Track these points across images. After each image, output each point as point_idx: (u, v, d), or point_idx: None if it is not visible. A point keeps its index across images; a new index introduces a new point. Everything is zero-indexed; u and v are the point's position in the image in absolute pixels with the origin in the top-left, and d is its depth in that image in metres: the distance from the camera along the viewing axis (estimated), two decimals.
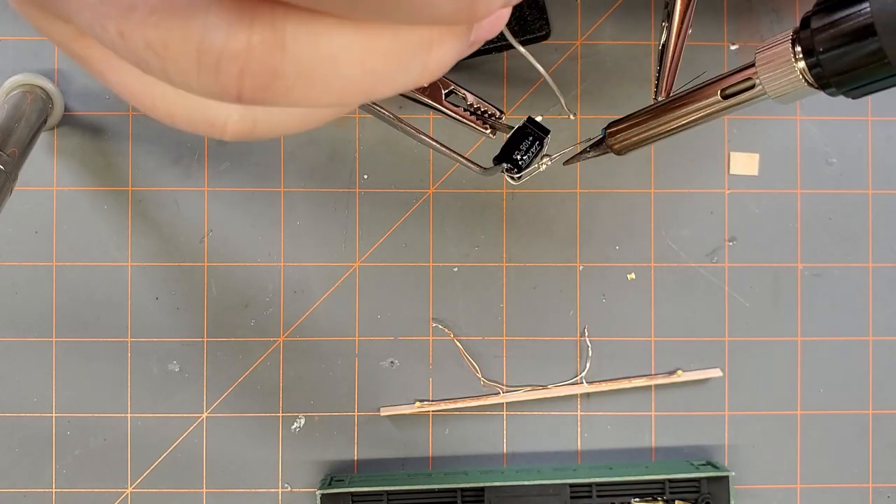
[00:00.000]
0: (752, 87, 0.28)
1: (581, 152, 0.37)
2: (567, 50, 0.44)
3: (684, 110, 0.31)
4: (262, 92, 0.12)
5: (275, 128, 0.14)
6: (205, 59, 0.11)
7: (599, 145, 0.35)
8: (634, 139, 0.34)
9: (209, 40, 0.11)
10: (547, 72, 0.32)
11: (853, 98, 0.25)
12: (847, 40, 0.24)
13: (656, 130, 0.33)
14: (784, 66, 0.26)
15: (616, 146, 0.35)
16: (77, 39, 0.14)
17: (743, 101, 0.29)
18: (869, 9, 0.22)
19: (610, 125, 0.35)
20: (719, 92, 0.29)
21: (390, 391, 0.44)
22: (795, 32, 0.26)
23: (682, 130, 0.32)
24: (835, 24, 0.24)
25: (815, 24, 0.24)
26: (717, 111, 0.30)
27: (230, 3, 0.11)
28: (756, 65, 0.27)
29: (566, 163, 0.38)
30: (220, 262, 0.44)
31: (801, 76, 0.25)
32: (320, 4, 0.11)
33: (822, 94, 0.26)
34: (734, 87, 0.29)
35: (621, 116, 0.34)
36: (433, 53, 0.13)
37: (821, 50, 0.24)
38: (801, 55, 0.25)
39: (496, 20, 0.15)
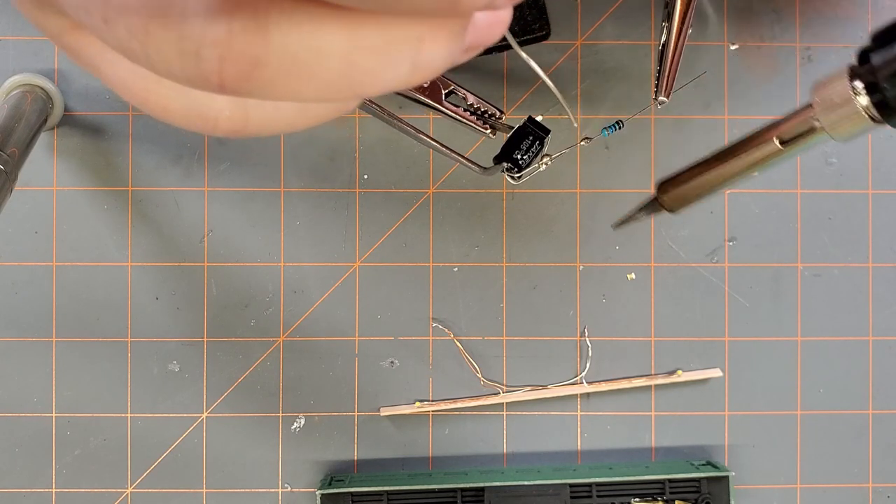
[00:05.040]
0: (813, 129, 0.28)
1: (633, 214, 0.36)
2: (567, 50, 0.44)
3: (741, 162, 0.30)
4: (244, 81, 0.12)
5: (267, 124, 0.14)
6: (186, 46, 0.11)
7: (652, 205, 0.35)
8: (690, 195, 0.33)
9: (190, 26, 0.11)
10: (547, 72, 0.32)
11: None
12: None
13: (712, 184, 0.32)
14: (845, 105, 0.26)
15: (669, 203, 0.34)
16: (71, 32, 0.14)
17: (804, 145, 0.28)
18: None
19: (661, 183, 0.34)
20: (776, 139, 0.29)
21: (390, 391, 0.45)
22: (851, 69, 0.26)
23: (740, 181, 0.31)
24: None
25: (875, 60, 0.25)
26: (777, 158, 0.29)
27: None
28: (814, 106, 0.27)
29: (616, 227, 0.37)
30: (220, 262, 0.44)
31: (864, 113, 0.26)
32: None
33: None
34: (793, 131, 0.28)
35: (674, 173, 0.34)
36: (423, 51, 0.13)
37: (885, 86, 0.25)
38: (863, 91, 0.26)
39: (494, 25, 0.15)
